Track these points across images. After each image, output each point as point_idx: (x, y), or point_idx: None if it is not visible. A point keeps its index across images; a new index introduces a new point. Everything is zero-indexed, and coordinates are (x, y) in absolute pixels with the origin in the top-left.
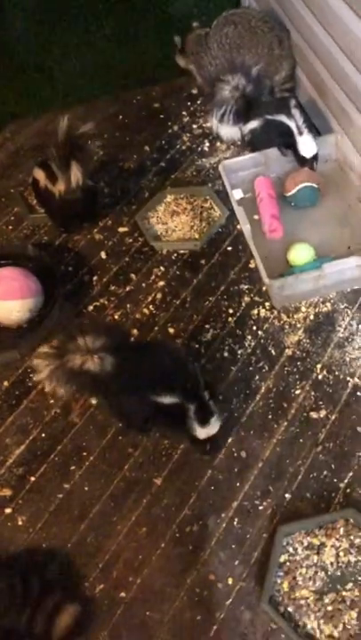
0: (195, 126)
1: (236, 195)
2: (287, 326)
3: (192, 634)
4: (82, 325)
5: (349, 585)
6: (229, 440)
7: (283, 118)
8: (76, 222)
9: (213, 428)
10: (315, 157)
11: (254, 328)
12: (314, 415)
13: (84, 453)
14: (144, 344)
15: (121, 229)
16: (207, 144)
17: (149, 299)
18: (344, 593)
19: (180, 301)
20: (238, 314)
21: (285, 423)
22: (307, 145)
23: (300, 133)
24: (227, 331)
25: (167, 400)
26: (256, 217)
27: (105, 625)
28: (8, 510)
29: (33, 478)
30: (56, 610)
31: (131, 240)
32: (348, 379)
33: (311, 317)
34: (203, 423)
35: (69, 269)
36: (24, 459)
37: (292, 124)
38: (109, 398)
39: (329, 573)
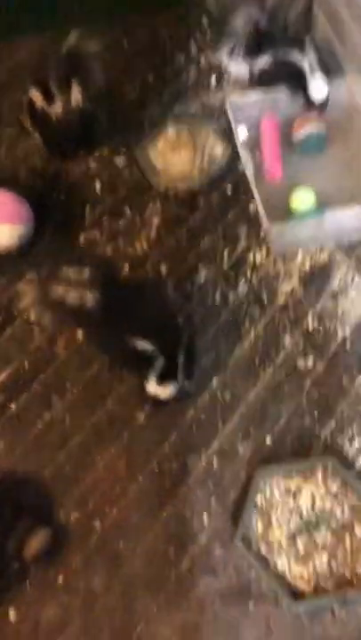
0: (202, 59)
1: (241, 133)
2: (282, 273)
3: (164, 566)
4: (70, 256)
5: (323, 530)
6: (214, 382)
7: (295, 57)
8: (71, 149)
9: (165, 392)
10: (325, 101)
11: (248, 273)
12: (301, 364)
13: (68, 385)
14: (137, 283)
15: (118, 161)
16: (214, 78)
17: (143, 235)
18: (317, 537)
19: (175, 240)
20: (233, 257)
21: (272, 369)
22: (318, 87)
23: (313, 74)
24: (220, 274)
25: (142, 346)
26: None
27: (79, 552)
28: None
29: (13, 406)
30: (27, 533)
31: (127, 173)
32: (338, 330)
33: (307, 266)
34: (159, 380)
35: (61, 198)
36: (5, 386)
37: (304, 64)
38: (92, 333)
39: (303, 517)
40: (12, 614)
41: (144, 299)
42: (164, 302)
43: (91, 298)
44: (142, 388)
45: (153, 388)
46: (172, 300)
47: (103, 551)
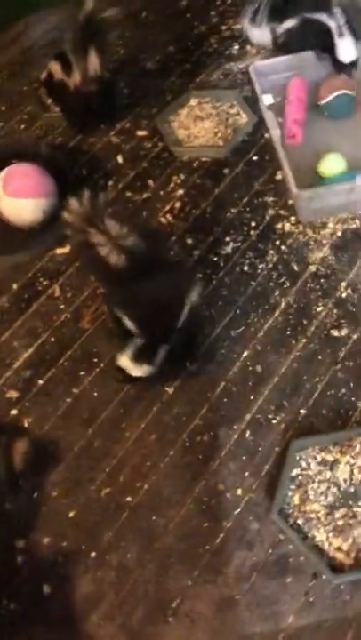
0: (223, 27)
1: (266, 100)
2: (312, 242)
3: (198, 540)
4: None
5: None
6: (245, 354)
7: (323, 18)
8: (92, 121)
9: (135, 370)
10: (354, 63)
11: (277, 242)
12: (335, 333)
13: (95, 359)
14: (164, 264)
15: (140, 133)
16: (236, 47)
17: (167, 207)
18: (355, 509)
19: (200, 212)
20: (261, 227)
21: (304, 340)
22: (346, 49)
23: (341, 36)
24: (248, 244)
25: (126, 324)
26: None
27: (111, 527)
28: (14, 412)
29: (41, 382)
30: (9, 445)
31: (150, 145)
32: None
33: (339, 234)
34: (132, 357)
35: (83, 173)
36: (32, 362)
37: (332, 25)
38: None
39: (341, 489)
40: (45, 589)
41: (161, 282)
42: (177, 293)
43: (117, 259)
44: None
45: (125, 362)
46: (188, 293)
47: (135, 526)
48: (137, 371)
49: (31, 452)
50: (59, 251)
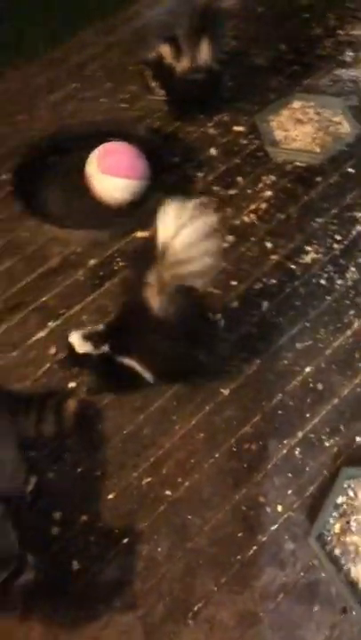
0: (340, 32)
1: None
2: None
3: (230, 548)
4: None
5: None
6: (308, 369)
7: None
8: (192, 110)
9: (80, 347)
10: None
11: (360, 260)
12: None
13: None
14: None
15: (237, 128)
16: (350, 54)
17: (252, 207)
18: None
19: (285, 216)
20: (346, 242)
21: None
22: None
23: None
24: (329, 257)
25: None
26: None
27: (147, 517)
28: (72, 384)
29: None
30: (60, 404)
31: (245, 141)
32: None
33: None
34: (85, 335)
35: (176, 160)
36: None
37: None
38: None
39: None
40: (74, 565)
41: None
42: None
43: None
44: (230, 363)
45: (74, 337)
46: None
47: (171, 521)
48: (81, 347)
49: (80, 413)
50: (139, 234)
